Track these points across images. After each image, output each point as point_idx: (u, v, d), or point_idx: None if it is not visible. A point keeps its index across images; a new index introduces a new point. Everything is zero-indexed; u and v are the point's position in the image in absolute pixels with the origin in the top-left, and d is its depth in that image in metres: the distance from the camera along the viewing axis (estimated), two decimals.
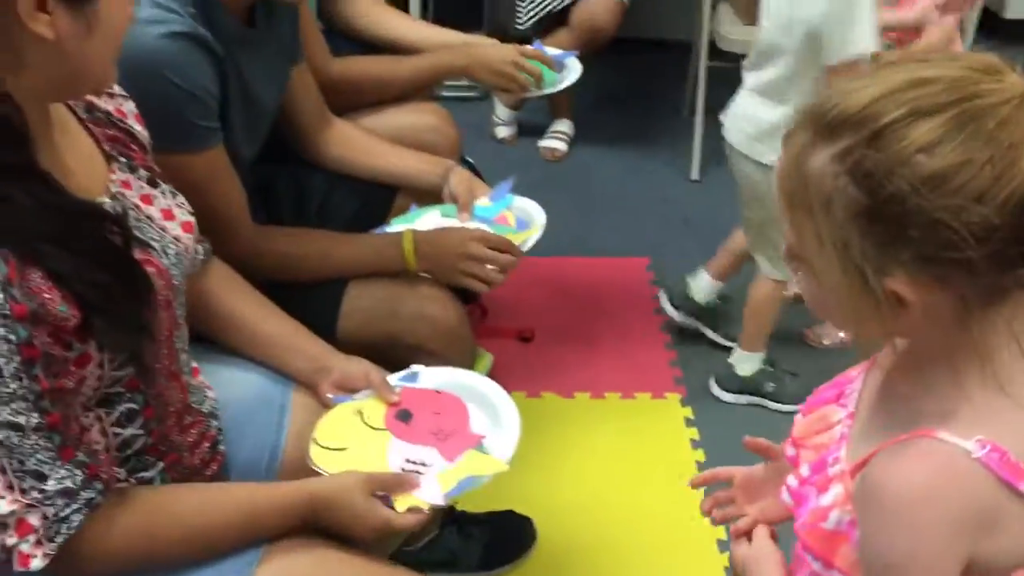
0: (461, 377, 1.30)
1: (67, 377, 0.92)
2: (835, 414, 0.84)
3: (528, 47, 1.92)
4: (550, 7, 2.78)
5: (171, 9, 1.28)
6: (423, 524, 1.08)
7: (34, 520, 0.90)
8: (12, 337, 0.85)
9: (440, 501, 1.10)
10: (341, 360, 1.29)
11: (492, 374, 1.81)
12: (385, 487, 1.08)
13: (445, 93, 3.07)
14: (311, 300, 1.41)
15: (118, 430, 1.03)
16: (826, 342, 2.20)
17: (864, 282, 0.69)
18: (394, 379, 1.28)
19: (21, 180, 0.87)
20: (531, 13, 2.81)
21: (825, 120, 0.69)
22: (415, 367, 1.31)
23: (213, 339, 1.27)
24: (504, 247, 1.54)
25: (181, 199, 1.12)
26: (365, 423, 1.22)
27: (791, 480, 0.83)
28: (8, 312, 0.85)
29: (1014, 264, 0.67)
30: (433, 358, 1.40)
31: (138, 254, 1.00)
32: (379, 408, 1.24)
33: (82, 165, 1.01)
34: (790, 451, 0.87)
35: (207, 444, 1.17)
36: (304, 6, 1.70)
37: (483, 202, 1.67)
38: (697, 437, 1.98)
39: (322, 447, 1.17)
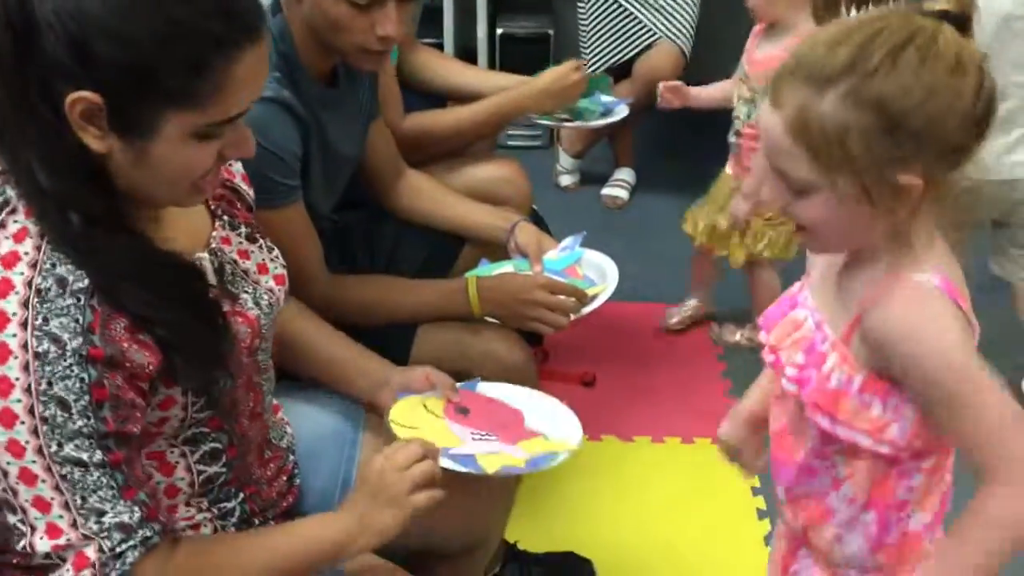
0: (517, 390, 1.39)
1: (134, 423, 0.95)
2: (800, 314, 1.03)
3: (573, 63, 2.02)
4: (613, 60, 2.86)
5: None
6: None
7: (91, 553, 0.92)
8: (84, 376, 0.90)
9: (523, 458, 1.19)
10: (400, 371, 1.36)
11: None
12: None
13: (510, 142, 3.15)
14: (383, 342, 1.47)
15: (202, 467, 1.08)
16: (727, 338, 2.40)
17: (878, 184, 0.89)
18: (460, 385, 1.35)
19: (109, 228, 0.94)
20: (594, 65, 2.89)
21: (822, 74, 0.88)
22: (476, 379, 1.38)
23: (279, 364, 1.31)
24: (569, 293, 1.59)
25: (276, 253, 1.19)
26: (429, 411, 1.31)
27: (789, 371, 1.01)
28: (84, 353, 0.90)
29: (974, 142, 0.90)
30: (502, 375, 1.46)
31: (227, 305, 1.06)
32: (440, 403, 1.33)
33: (188, 221, 1.08)
34: (770, 357, 1.05)
35: (284, 477, 1.22)
36: (387, 66, 1.79)
37: (551, 255, 1.71)
38: (758, 484, 1.98)
39: (400, 425, 1.25)
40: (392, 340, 1.53)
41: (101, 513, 0.93)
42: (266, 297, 1.14)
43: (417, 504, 1.07)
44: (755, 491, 1.97)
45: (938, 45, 0.87)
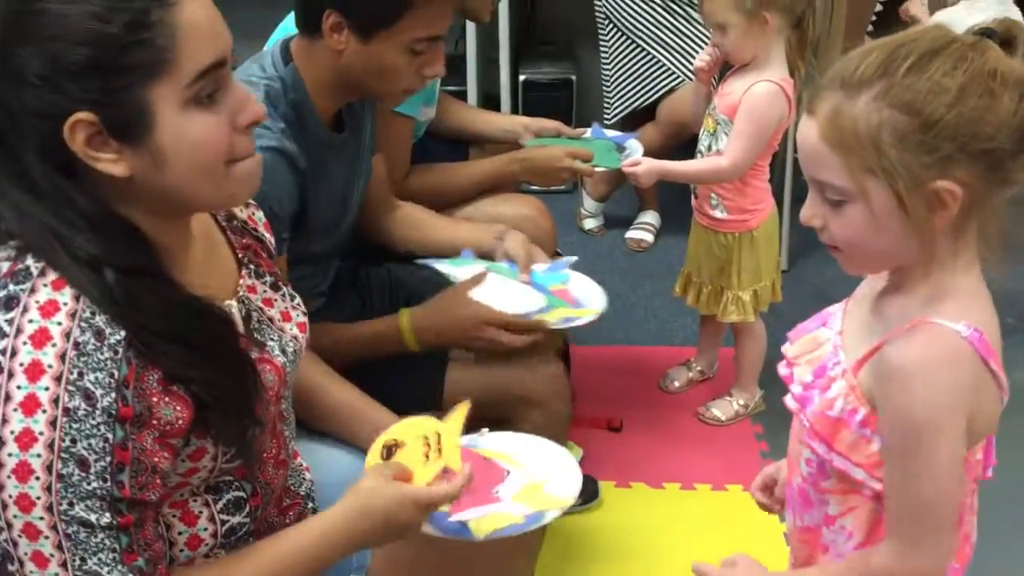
0: (518, 439, 1.32)
1: (151, 490, 0.94)
2: (823, 335, 1.02)
3: (577, 148, 1.98)
4: (636, 103, 2.85)
5: (261, 125, 1.36)
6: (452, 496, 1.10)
7: None
8: (109, 436, 0.89)
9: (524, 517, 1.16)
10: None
11: (582, 464, 1.81)
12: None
13: (533, 186, 3.14)
14: (411, 383, 1.46)
15: (225, 517, 1.06)
16: (716, 412, 2.28)
17: (914, 191, 0.86)
18: (464, 440, 1.29)
19: (147, 281, 0.93)
20: (618, 109, 2.89)
21: (854, 79, 0.88)
22: (484, 431, 1.33)
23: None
24: (522, 329, 1.54)
25: (298, 301, 1.18)
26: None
27: (794, 388, 1.01)
28: (114, 412, 0.89)
29: (1016, 155, 0.87)
30: (537, 409, 1.50)
31: (256, 354, 1.05)
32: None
33: (217, 270, 1.08)
34: (784, 371, 1.05)
35: None
36: (401, 130, 1.81)
37: (539, 267, 1.70)
38: None
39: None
40: (421, 381, 1.51)
41: None
42: (291, 345, 1.13)
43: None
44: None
45: (974, 53, 0.87)
